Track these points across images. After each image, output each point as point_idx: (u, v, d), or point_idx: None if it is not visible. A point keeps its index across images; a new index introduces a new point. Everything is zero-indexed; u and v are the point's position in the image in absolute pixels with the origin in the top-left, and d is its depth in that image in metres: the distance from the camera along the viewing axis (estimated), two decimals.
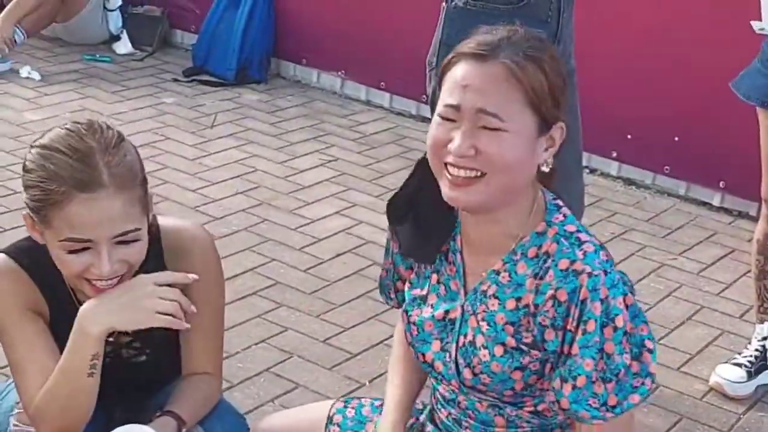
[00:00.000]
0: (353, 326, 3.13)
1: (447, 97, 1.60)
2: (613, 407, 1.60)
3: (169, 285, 1.72)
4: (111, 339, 1.88)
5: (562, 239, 1.63)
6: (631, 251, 3.78)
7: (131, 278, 1.74)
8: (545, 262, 1.63)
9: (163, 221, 1.87)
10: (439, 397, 1.82)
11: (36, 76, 4.93)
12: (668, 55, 4.15)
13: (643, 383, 1.61)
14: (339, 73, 5.11)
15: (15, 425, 1.82)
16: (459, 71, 1.59)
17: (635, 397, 1.61)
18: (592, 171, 4.44)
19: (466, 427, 1.78)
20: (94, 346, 1.71)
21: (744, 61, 2.89)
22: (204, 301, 1.90)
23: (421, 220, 1.72)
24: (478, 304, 1.69)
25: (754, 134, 2.94)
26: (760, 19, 2.70)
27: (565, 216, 1.67)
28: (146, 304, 1.69)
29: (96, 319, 1.70)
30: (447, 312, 1.73)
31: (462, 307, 1.71)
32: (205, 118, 4.66)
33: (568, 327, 1.59)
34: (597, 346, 1.58)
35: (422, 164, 1.70)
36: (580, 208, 2.73)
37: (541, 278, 1.62)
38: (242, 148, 4.38)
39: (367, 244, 3.61)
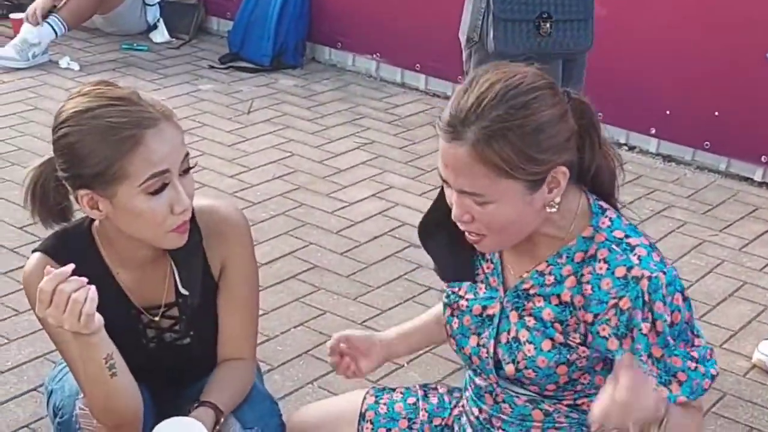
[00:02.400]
0: (390, 308, 3.13)
1: (439, 165, 1.60)
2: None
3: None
4: (153, 324, 1.90)
5: (613, 246, 1.61)
6: (672, 228, 3.74)
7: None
8: (592, 266, 1.61)
9: (196, 201, 1.86)
10: (473, 391, 1.82)
11: (75, 66, 4.98)
12: (707, 29, 4.09)
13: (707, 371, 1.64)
14: (374, 56, 5.11)
15: (81, 408, 1.83)
16: (440, 145, 1.59)
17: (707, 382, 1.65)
18: (631, 148, 4.39)
19: (498, 427, 1.78)
20: (99, 350, 1.70)
21: None
22: (240, 283, 1.91)
23: (454, 238, 1.70)
24: (523, 301, 1.69)
25: None
26: None
27: (611, 220, 1.65)
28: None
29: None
30: (485, 308, 1.73)
31: (501, 303, 1.71)
32: (242, 104, 4.68)
33: (643, 332, 1.58)
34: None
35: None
36: None
37: (591, 284, 1.61)
38: (279, 133, 4.39)
39: (404, 226, 3.61)
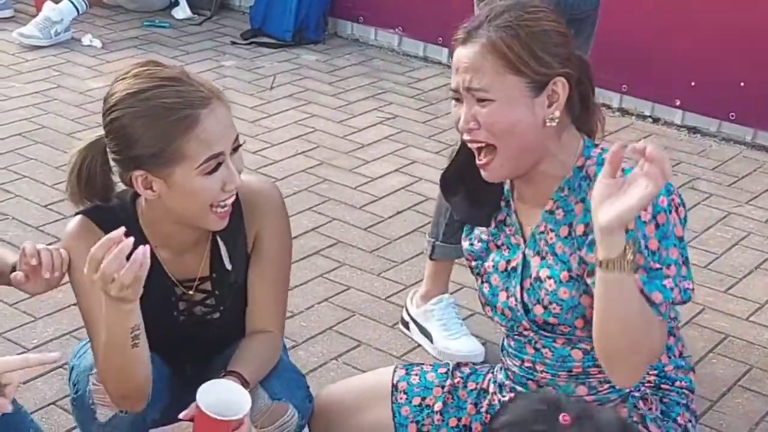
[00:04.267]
0: (414, 283, 3.12)
1: (452, 79, 1.72)
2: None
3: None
4: (185, 297, 1.91)
5: (600, 165, 1.64)
6: (697, 201, 3.71)
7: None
8: (588, 186, 1.68)
9: None
10: (514, 347, 1.84)
11: (97, 44, 4.98)
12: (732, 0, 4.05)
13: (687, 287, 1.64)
14: (396, 29, 5.08)
15: (95, 384, 1.84)
16: (454, 56, 1.72)
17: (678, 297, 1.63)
18: (656, 120, 4.36)
19: (542, 371, 1.80)
20: (129, 319, 1.69)
21: None
22: (273, 259, 1.93)
23: (472, 189, 1.82)
24: (539, 242, 1.75)
25: None
26: None
27: (602, 149, 1.74)
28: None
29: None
30: (509, 261, 1.79)
31: (523, 253, 1.77)
32: (264, 80, 4.67)
33: (642, 219, 1.61)
34: (643, 242, 1.60)
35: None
36: None
37: (584, 200, 1.69)
38: (301, 109, 4.38)
39: (428, 200, 3.60)
